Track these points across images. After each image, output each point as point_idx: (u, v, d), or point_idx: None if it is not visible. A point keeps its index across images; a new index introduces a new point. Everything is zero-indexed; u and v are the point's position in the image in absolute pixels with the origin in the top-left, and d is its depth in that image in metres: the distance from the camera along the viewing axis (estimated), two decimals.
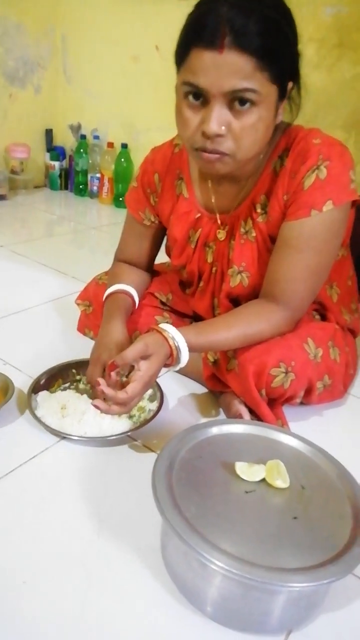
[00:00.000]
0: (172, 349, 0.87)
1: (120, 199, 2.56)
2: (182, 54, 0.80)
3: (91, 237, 2.19)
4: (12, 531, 0.75)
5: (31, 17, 2.44)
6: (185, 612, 0.66)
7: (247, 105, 0.78)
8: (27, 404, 0.97)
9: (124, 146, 2.47)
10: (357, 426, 1.09)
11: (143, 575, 0.70)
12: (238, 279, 1.00)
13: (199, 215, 1.04)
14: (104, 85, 2.53)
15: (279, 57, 0.77)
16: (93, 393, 1.00)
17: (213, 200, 1.00)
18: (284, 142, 0.92)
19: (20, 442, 0.91)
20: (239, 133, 0.80)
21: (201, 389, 1.13)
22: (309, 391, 1.00)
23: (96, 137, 2.61)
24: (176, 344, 0.87)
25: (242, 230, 0.98)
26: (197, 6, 0.79)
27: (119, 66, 2.43)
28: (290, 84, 0.84)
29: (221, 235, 1.02)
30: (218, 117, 0.78)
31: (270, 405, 0.97)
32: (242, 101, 0.77)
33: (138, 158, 2.49)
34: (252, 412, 0.97)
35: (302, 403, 1.05)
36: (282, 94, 0.83)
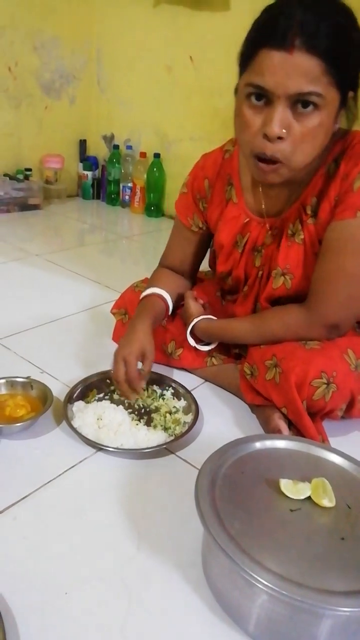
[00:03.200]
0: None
1: (152, 208, 2.58)
2: (248, 56, 0.80)
3: (123, 247, 2.21)
4: (52, 542, 0.75)
5: (67, 30, 2.50)
6: (227, 630, 0.65)
7: (310, 107, 0.78)
8: (63, 414, 0.97)
9: (157, 156, 2.49)
10: None
11: (184, 592, 0.69)
12: (281, 280, 0.99)
13: (247, 220, 1.03)
14: (137, 96, 2.56)
15: (346, 63, 0.77)
16: (121, 394, 1.01)
17: (263, 205, 1.00)
18: (339, 146, 0.91)
19: (57, 452, 0.92)
20: (298, 137, 0.80)
21: (239, 403, 1.11)
22: (350, 404, 0.97)
23: (129, 147, 2.64)
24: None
25: (290, 232, 0.97)
26: (269, 8, 0.80)
27: (152, 77, 2.46)
28: (351, 93, 0.83)
29: (268, 240, 1.01)
30: (281, 119, 0.78)
31: (311, 420, 0.95)
32: (306, 103, 0.77)
33: (170, 168, 2.51)
34: (291, 427, 0.96)
35: (342, 417, 1.02)
36: (343, 102, 0.82)
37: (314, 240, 0.95)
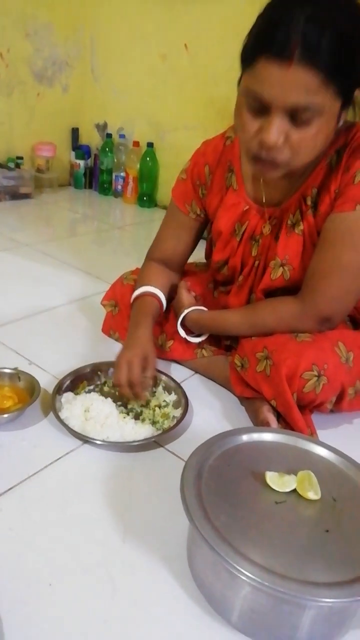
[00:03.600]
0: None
1: (145, 198, 2.56)
2: (248, 59, 0.77)
3: (114, 237, 2.19)
4: (37, 534, 0.74)
5: (61, 17, 2.46)
6: (211, 621, 0.65)
7: (308, 116, 0.76)
8: (51, 405, 0.97)
9: (150, 145, 2.47)
10: None
11: (168, 583, 0.69)
12: (280, 271, 0.99)
13: (247, 207, 1.03)
14: (131, 84, 2.53)
15: (349, 73, 0.75)
16: (119, 395, 1.00)
17: (263, 194, 0.99)
18: (343, 138, 0.90)
19: (44, 444, 0.91)
20: (296, 144, 0.79)
21: (228, 395, 1.11)
22: (340, 397, 0.97)
23: (122, 136, 2.61)
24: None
25: (290, 222, 0.97)
26: (271, 9, 0.75)
27: (147, 65, 2.43)
28: (357, 91, 0.80)
29: (266, 229, 1.00)
30: (277, 129, 0.77)
31: (300, 412, 0.95)
32: (304, 113, 0.76)
33: (164, 157, 2.49)
34: (279, 419, 0.96)
35: (331, 410, 1.02)
36: (347, 103, 0.80)
37: (313, 232, 0.94)
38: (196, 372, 1.18)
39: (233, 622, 0.64)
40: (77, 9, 2.50)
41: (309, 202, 0.93)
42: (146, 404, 1.02)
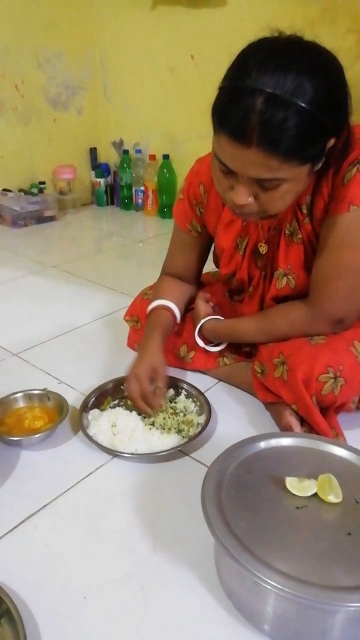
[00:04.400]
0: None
1: (165, 209, 2.59)
2: (214, 125, 0.77)
3: (138, 251, 2.24)
4: (71, 548, 0.77)
5: (70, 44, 2.53)
6: (242, 629, 0.66)
7: (274, 184, 0.77)
8: (79, 423, 1.00)
9: (166, 157, 2.51)
10: None
11: (199, 592, 0.71)
12: (284, 281, 1.00)
13: (245, 222, 1.04)
14: (143, 100, 2.58)
15: (313, 147, 0.75)
16: (140, 410, 1.02)
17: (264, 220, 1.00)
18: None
19: (75, 460, 0.95)
20: (266, 204, 0.81)
21: (253, 401, 1.12)
22: None
23: (138, 151, 2.67)
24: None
25: (287, 232, 0.97)
26: (233, 80, 0.73)
27: (157, 79, 2.47)
28: (331, 141, 0.78)
29: (262, 248, 1.02)
30: (245, 193, 0.79)
31: (323, 415, 0.95)
32: (269, 182, 0.77)
33: (180, 168, 2.52)
34: (303, 423, 0.96)
35: (357, 408, 1.02)
36: (321, 156, 0.79)
37: (312, 239, 0.95)
38: (220, 380, 1.19)
39: (264, 629, 0.65)
40: (85, 34, 2.58)
41: (304, 210, 0.94)
42: (166, 413, 1.04)
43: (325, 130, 0.74)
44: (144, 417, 1.03)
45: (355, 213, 0.84)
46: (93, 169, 2.80)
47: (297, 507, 0.68)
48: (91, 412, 1.03)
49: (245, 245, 1.05)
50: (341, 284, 0.90)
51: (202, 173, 1.08)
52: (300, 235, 0.95)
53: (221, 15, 2.07)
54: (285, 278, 0.99)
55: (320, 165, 0.82)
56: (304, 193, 0.93)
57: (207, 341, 1.13)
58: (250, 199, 0.80)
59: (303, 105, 0.69)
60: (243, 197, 0.79)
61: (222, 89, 0.76)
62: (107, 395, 1.09)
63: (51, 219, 2.53)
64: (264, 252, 1.02)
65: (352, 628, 0.63)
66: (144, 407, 1.00)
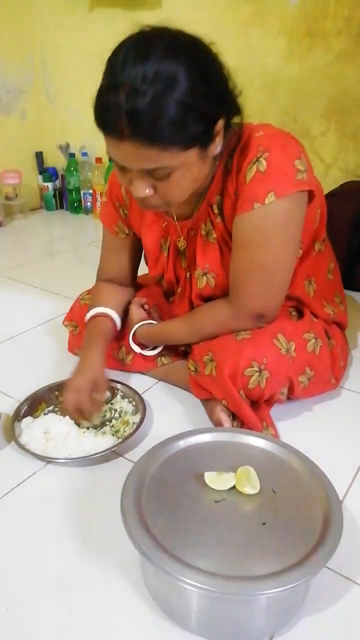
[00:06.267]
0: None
1: None
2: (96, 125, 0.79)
3: (88, 253, 2.21)
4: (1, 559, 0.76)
5: (8, 46, 2.49)
6: (169, 627, 0.67)
7: (164, 172, 0.78)
8: (11, 432, 0.99)
9: (112, 160, 2.49)
10: (348, 419, 1.07)
11: (125, 594, 0.71)
12: (204, 280, 1.01)
13: (165, 223, 1.04)
14: (86, 102, 2.51)
15: (188, 130, 0.75)
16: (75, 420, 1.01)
17: (172, 209, 1.01)
18: (234, 140, 0.91)
19: (7, 470, 0.93)
20: (164, 193, 0.82)
21: (191, 399, 1.12)
22: (291, 387, 0.99)
23: (84, 154, 2.64)
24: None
25: (203, 232, 0.98)
26: (102, 83, 0.77)
27: (97, 81, 2.44)
28: (219, 123, 0.80)
29: (181, 244, 1.02)
30: (140, 186, 0.80)
31: (254, 408, 0.96)
32: (157, 171, 0.78)
33: None
34: (235, 418, 0.97)
35: (290, 399, 1.04)
36: (208, 140, 0.80)
37: (226, 237, 0.96)
38: (159, 379, 1.20)
39: (188, 626, 0.66)
40: (24, 37, 2.53)
41: (215, 210, 0.95)
42: (100, 426, 1.03)
43: (201, 114, 0.75)
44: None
45: (260, 210, 0.85)
46: (40, 173, 2.75)
47: (216, 501, 0.69)
48: (24, 420, 1.01)
49: (168, 246, 1.05)
50: (256, 280, 0.91)
51: None
52: (214, 235, 0.97)
53: (156, 17, 2.02)
54: (205, 277, 1.00)
55: (218, 150, 0.84)
56: (213, 193, 0.94)
57: (142, 346, 1.13)
58: (148, 190, 0.81)
59: (163, 91, 0.70)
60: (140, 190, 0.81)
61: (97, 91, 0.78)
62: (42, 401, 1.08)
63: None
64: (183, 248, 1.02)
65: (268, 614, 0.64)
66: (79, 419, 0.99)
